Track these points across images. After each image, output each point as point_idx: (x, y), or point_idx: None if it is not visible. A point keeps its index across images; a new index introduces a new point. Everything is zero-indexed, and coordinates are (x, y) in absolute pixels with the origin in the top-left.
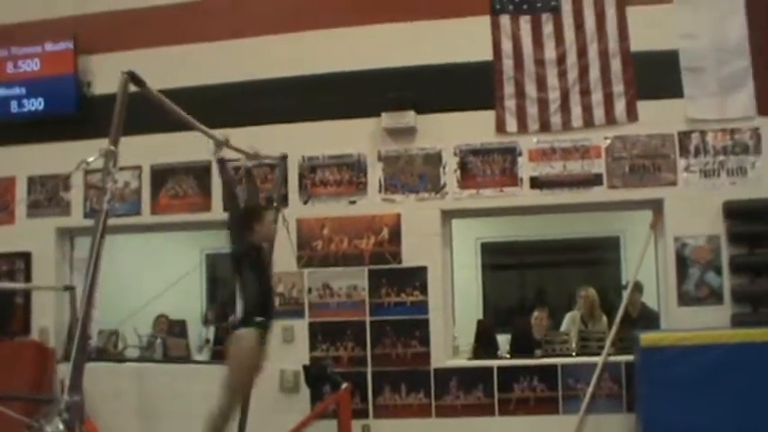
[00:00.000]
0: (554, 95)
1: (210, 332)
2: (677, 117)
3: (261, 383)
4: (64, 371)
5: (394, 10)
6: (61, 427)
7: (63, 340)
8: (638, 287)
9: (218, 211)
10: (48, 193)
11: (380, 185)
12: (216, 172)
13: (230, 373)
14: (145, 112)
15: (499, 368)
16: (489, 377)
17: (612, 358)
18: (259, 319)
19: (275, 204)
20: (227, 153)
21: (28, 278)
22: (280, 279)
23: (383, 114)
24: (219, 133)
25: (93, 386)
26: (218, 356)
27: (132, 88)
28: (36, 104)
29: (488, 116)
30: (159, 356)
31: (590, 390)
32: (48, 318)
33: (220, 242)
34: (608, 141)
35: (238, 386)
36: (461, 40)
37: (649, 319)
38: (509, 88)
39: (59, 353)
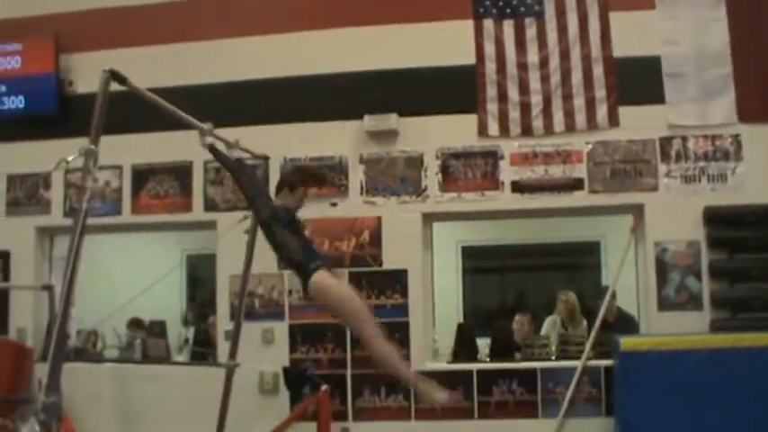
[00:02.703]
0: (536, 100)
1: (190, 332)
2: (659, 123)
3: (239, 385)
4: (42, 371)
5: (377, 13)
6: (37, 427)
7: (41, 340)
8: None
9: (199, 212)
10: (27, 192)
11: (362, 188)
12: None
13: (341, 314)
14: (126, 111)
15: (479, 371)
16: (469, 380)
17: (592, 362)
18: (315, 263)
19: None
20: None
21: (6, 277)
22: (260, 280)
23: (365, 117)
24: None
25: (71, 386)
26: (197, 357)
27: (114, 87)
28: (17, 103)
29: (470, 120)
30: (139, 357)
31: (569, 394)
32: (26, 317)
33: (201, 243)
34: (589, 146)
35: (355, 315)
36: (444, 44)
37: (626, 323)
38: (491, 92)
39: (37, 353)
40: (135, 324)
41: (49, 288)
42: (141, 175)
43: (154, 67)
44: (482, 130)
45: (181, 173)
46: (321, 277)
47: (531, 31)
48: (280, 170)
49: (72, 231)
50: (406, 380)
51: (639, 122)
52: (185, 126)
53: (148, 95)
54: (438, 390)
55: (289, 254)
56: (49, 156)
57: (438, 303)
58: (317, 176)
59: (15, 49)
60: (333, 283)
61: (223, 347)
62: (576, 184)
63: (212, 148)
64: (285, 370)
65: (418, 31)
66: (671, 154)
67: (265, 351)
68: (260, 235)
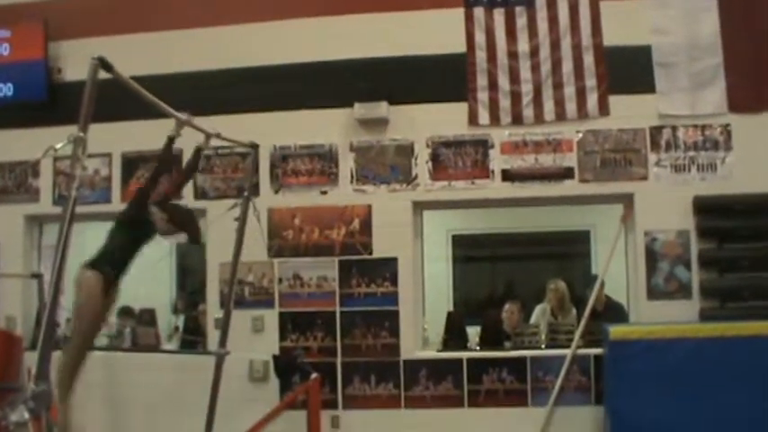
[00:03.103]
0: (527, 88)
1: (180, 321)
2: (649, 112)
3: (229, 373)
4: (31, 359)
5: (368, 1)
6: (27, 415)
7: (30, 328)
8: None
9: (189, 200)
10: (16, 180)
11: (352, 176)
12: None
13: (76, 315)
14: (116, 99)
15: (469, 360)
16: (459, 369)
17: (581, 351)
18: (105, 269)
19: (246, 194)
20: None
21: None
22: (250, 269)
23: (355, 105)
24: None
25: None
26: (187, 345)
27: (103, 75)
28: (5, 90)
29: (461, 108)
30: (128, 345)
31: (559, 382)
32: (15, 306)
33: None
34: (580, 135)
35: (80, 327)
36: (435, 32)
37: (615, 312)
38: (482, 80)
39: (27, 341)
40: (125, 312)
41: (38, 276)
42: (131, 163)
43: (143, 55)
44: (472, 119)
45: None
46: (91, 277)
47: (521, 20)
48: (270, 158)
49: (61, 219)
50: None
51: (630, 112)
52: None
53: (130, 84)
54: None
55: (106, 246)
56: (38, 143)
57: (428, 292)
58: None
59: (4, 36)
60: (91, 291)
61: (213, 336)
62: (566, 173)
63: (170, 140)
64: (275, 358)
65: (409, 20)
66: (661, 143)
67: (255, 339)
68: (250, 223)
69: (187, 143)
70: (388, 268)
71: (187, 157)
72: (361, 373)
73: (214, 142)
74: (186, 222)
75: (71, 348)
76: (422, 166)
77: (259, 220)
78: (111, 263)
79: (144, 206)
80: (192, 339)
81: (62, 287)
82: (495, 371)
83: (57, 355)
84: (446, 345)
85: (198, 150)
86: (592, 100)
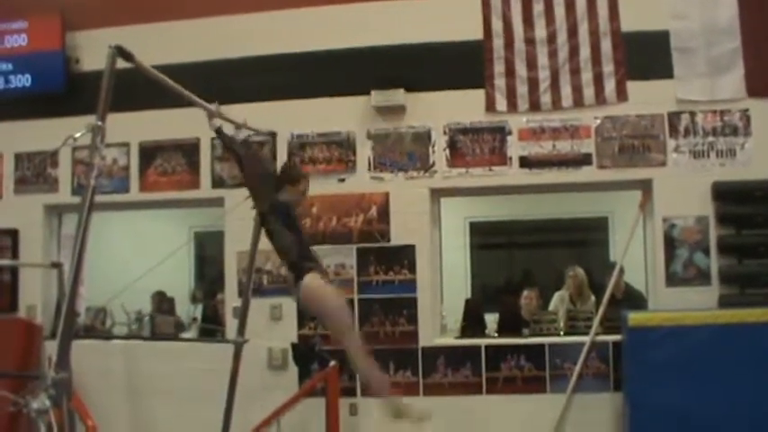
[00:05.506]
0: (544, 75)
1: (198, 310)
2: (667, 97)
3: (248, 362)
4: (51, 348)
5: None
6: (48, 403)
7: (50, 317)
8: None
9: (206, 189)
10: (35, 170)
11: (369, 163)
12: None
13: (326, 321)
14: (134, 88)
15: (487, 347)
16: (477, 356)
17: (600, 338)
18: (309, 264)
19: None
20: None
21: (15, 255)
22: (268, 257)
23: (372, 92)
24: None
25: (80, 363)
26: (206, 334)
27: (121, 64)
28: (23, 81)
29: (478, 95)
30: (147, 334)
31: (577, 369)
32: (35, 295)
33: (209, 220)
34: (598, 121)
35: (339, 325)
36: (452, 19)
37: (634, 299)
38: (499, 67)
39: (47, 330)
40: (156, 297)
41: (57, 266)
42: (149, 153)
43: (161, 44)
44: (490, 106)
45: (188, 150)
46: (313, 280)
47: (538, 6)
48: (287, 147)
49: (80, 209)
50: (380, 395)
51: (648, 97)
52: (192, 103)
53: (153, 73)
54: (416, 412)
55: (282, 248)
56: (57, 134)
57: (446, 279)
58: (292, 176)
59: (21, 27)
60: (324, 289)
61: (231, 324)
62: (584, 160)
63: (219, 131)
64: (293, 346)
65: (426, 6)
66: (679, 129)
67: (274, 327)
68: None
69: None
70: (405, 256)
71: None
72: (379, 361)
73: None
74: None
75: (343, 338)
76: (439, 153)
77: None
78: (303, 255)
79: (266, 192)
80: (211, 328)
81: (81, 276)
82: (514, 358)
83: (77, 345)
84: (464, 332)
85: (243, 145)
86: (609, 86)
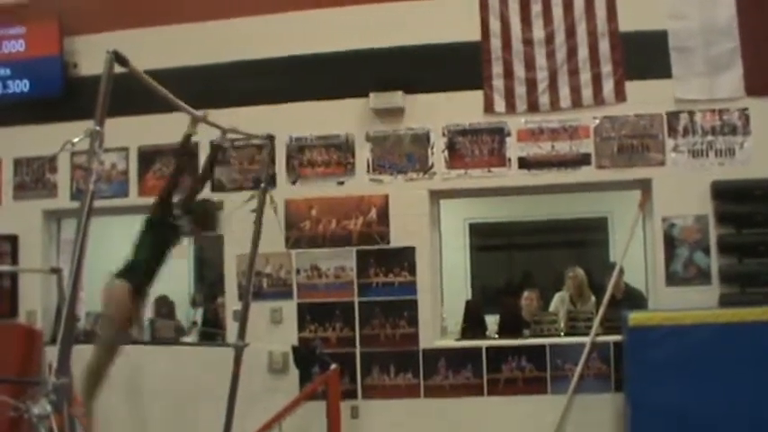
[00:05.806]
0: (542, 75)
1: (198, 314)
2: (666, 97)
3: (248, 365)
4: (52, 353)
5: None
6: (48, 408)
7: (50, 323)
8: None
9: (205, 192)
10: (34, 175)
11: (368, 166)
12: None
13: (102, 325)
14: (132, 93)
15: (488, 348)
16: (478, 357)
17: (601, 338)
18: (137, 279)
19: (262, 185)
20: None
21: (15, 261)
22: (268, 260)
23: (371, 94)
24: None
25: (81, 368)
26: (206, 337)
27: (119, 69)
28: (21, 86)
29: (476, 96)
30: (147, 338)
31: (578, 370)
32: (35, 300)
33: None
34: (596, 121)
35: (106, 338)
36: (450, 20)
37: (634, 299)
38: (497, 68)
39: (47, 335)
40: (160, 302)
41: (57, 271)
42: (147, 157)
43: (159, 48)
44: (488, 107)
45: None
46: (121, 287)
47: (536, 7)
48: (286, 150)
49: (79, 214)
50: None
51: (646, 97)
52: (178, 108)
53: (144, 78)
54: None
55: (133, 255)
56: (55, 139)
57: (446, 281)
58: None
59: (19, 33)
60: (121, 301)
61: (232, 328)
62: (583, 160)
63: (185, 137)
64: (294, 349)
65: (423, 8)
66: (678, 128)
67: (274, 330)
68: (267, 214)
69: (204, 136)
70: (405, 257)
71: (199, 149)
72: (380, 363)
73: (230, 135)
74: (209, 220)
75: (96, 354)
76: (438, 154)
77: (276, 212)
78: (141, 273)
79: (169, 206)
80: (212, 332)
81: (81, 281)
82: (515, 359)
83: (77, 350)
84: (465, 333)
85: (216, 148)
86: (608, 86)
